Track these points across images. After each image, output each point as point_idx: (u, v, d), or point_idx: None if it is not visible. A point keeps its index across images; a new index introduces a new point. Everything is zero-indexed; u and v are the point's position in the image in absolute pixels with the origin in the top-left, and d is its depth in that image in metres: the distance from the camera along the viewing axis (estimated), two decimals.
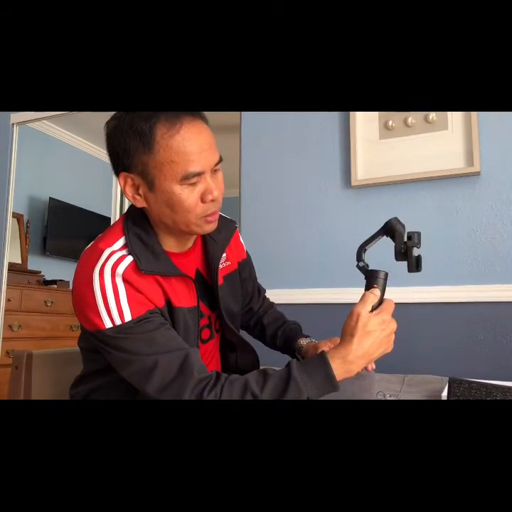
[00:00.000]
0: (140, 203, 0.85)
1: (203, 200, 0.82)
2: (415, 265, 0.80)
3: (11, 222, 2.53)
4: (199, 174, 0.81)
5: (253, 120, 1.95)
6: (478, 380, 1.02)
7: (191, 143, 0.79)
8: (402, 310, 1.30)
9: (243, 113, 1.97)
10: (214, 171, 0.84)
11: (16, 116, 2.52)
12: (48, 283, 3.24)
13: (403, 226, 0.82)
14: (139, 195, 0.84)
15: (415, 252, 0.80)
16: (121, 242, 0.85)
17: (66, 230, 3.52)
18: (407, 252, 0.80)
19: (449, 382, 1.01)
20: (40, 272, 3.27)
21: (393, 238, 0.82)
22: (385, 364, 0.99)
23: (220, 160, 0.84)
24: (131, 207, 0.90)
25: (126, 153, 0.81)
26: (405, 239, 0.81)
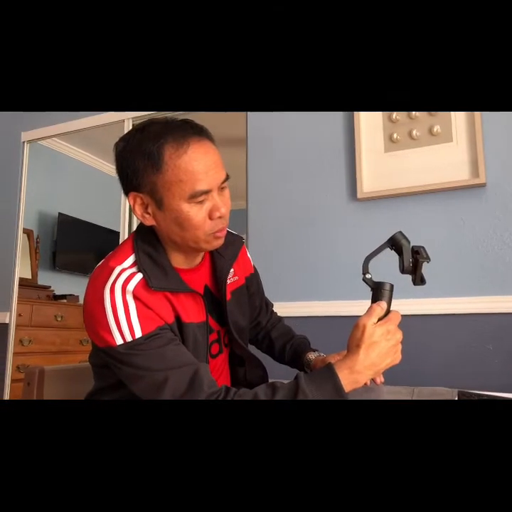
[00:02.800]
0: (149, 222, 0.87)
1: (210, 217, 0.84)
2: (421, 279, 0.81)
3: (21, 238, 2.57)
4: (206, 192, 0.82)
5: (259, 133, 1.98)
6: (487, 393, 1.01)
7: (198, 162, 0.81)
8: (410, 322, 1.30)
9: (249, 126, 1.99)
10: (221, 189, 0.85)
11: (27, 135, 2.57)
12: (57, 297, 3.27)
13: (408, 240, 0.83)
14: (148, 213, 0.86)
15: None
16: (131, 259, 0.86)
17: (75, 244, 3.56)
18: (417, 267, 0.82)
19: (457, 396, 1.01)
20: (50, 287, 3.30)
21: (399, 252, 0.83)
22: (394, 376, 0.99)
23: (227, 178, 0.86)
24: (141, 225, 0.92)
25: (135, 174, 0.83)
26: (411, 253, 0.82)
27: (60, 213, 3.48)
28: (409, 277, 0.84)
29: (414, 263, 0.82)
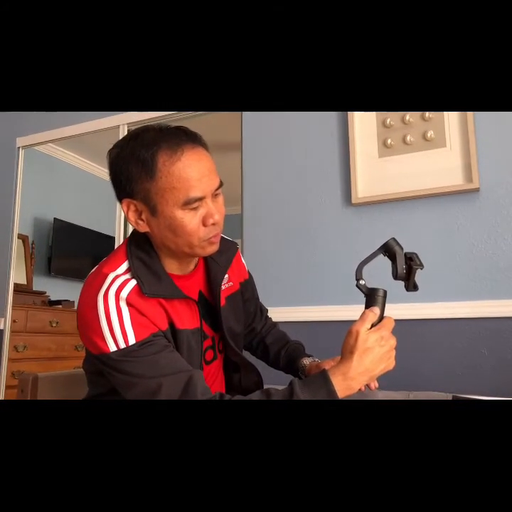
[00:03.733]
0: (143, 228, 0.87)
1: (204, 223, 0.84)
2: (414, 285, 0.81)
3: (16, 244, 2.56)
4: (200, 199, 0.83)
5: (254, 138, 1.98)
6: (481, 398, 1.02)
7: (192, 169, 0.81)
8: (405, 327, 1.31)
9: (244, 131, 2.00)
10: (215, 196, 0.86)
11: (22, 140, 2.57)
12: (52, 303, 3.26)
13: (401, 247, 0.83)
14: (142, 220, 0.86)
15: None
16: (124, 266, 0.86)
17: (71, 250, 3.55)
18: (410, 273, 0.82)
19: None
20: (45, 293, 3.29)
21: (392, 259, 0.84)
22: (389, 381, 0.99)
23: (221, 185, 0.86)
24: (134, 231, 0.92)
25: (129, 181, 0.83)
26: (404, 260, 0.83)
27: (55, 219, 3.47)
28: (402, 283, 0.85)
29: (407, 270, 0.82)
